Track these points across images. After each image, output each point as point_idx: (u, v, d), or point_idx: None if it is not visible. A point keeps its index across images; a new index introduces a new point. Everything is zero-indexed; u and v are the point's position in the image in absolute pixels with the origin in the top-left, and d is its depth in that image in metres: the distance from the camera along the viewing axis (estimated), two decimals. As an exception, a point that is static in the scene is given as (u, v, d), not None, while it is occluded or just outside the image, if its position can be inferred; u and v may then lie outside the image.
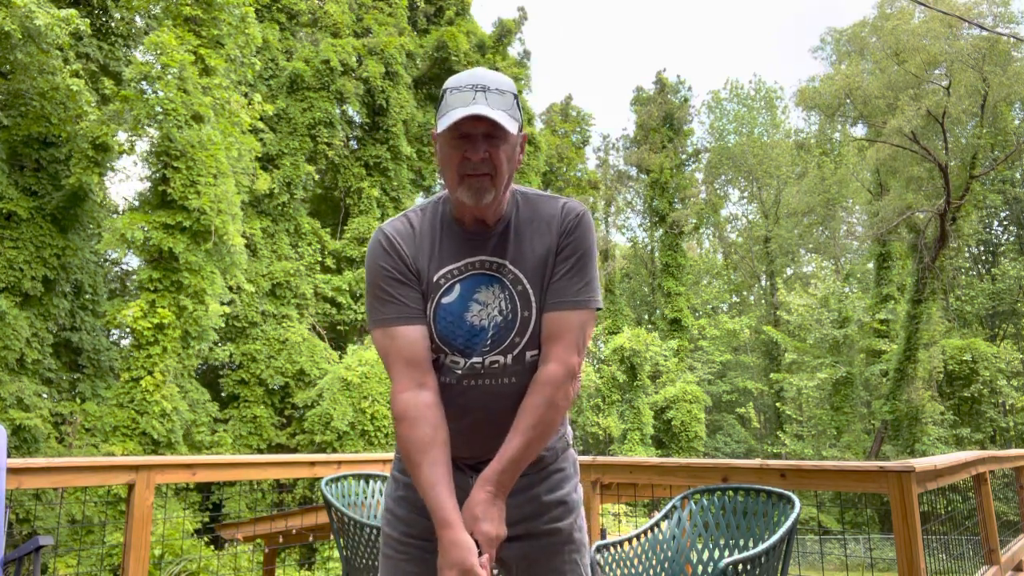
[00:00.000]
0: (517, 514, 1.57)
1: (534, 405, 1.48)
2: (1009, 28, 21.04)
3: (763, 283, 36.39)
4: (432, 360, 1.54)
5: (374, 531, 2.63)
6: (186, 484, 13.28)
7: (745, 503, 2.31)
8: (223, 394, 17.26)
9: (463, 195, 1.48)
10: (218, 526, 10.17)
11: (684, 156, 31.16)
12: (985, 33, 19.87)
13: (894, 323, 25.10)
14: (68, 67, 13.03)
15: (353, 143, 21.81)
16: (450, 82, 1.48)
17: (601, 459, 3.93)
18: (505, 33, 24.86)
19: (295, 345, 17.64)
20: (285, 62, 19.96)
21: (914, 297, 22.40)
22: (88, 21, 12.60)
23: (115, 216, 15.23)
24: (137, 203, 15.33)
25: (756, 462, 3.38)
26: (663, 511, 2.48)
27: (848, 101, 23.60)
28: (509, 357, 1.53)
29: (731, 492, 2.36)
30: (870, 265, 29.71)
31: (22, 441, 11.77)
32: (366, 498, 3.08)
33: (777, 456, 27.44)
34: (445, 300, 1.53)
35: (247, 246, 16.08)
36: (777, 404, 29.27)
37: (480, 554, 1.39)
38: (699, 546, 2.36)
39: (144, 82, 13.07)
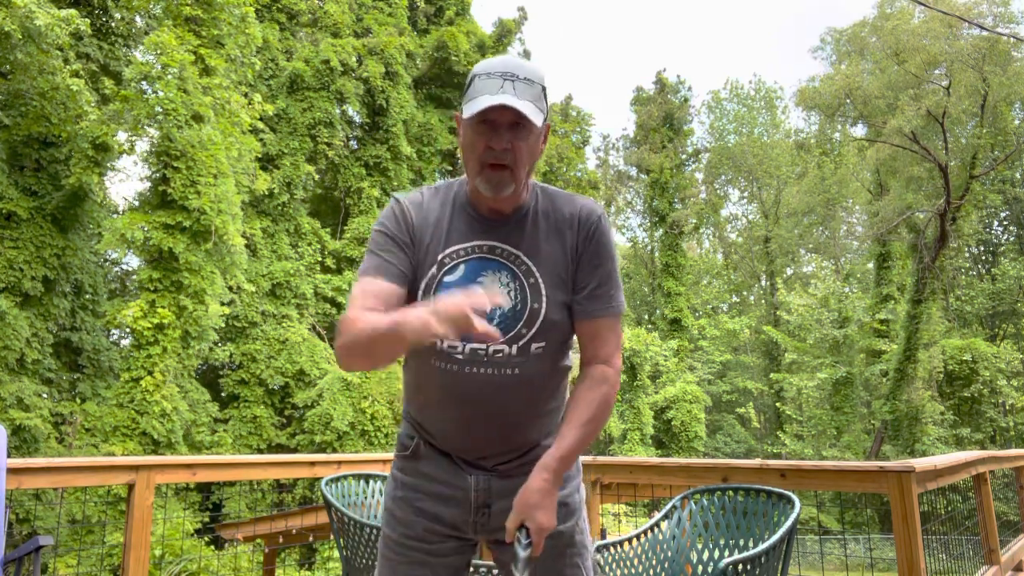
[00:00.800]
0: None
1: (590, 401, 1.50)
2: (1009, 28, 21.05)
3: (763, 283, 36.39)
4: (428, 344, 1.48)
5: (374, 531, 2.63)
6: (186, 484, 13.28)
7: (745, 503, 2.31)
8: (223, 394, 17.26)
9: (482, 186, 1.47)
10: (218, 526, 10.17)
11: (684, 156, 31.15)
12: (985, 33, 19.87)
13: (894, 323, 25.10)
14: (68, 67, 13.03)
15: (353, 143, 21.81)
16: (480, 67, 1.47)
17: (601, 459, 3.93)
18: (505, 33, 24.86)
19: (295, 345, 17.63)
20: (285, 62, 19.96)
21: (914, 297, 22.39)
22: (88, 21, 12.61)
23: (115, 216, 15.23)
24: (137, 203, 15.33)
25: (756, 462, 3.38)
26: (663, 511, 2.48)
27: (848, 101, 23.59)
28: (514, 348, 1.51)
29: (731, 492, 2.36)
30: (870, 265, 29.71)
31: (22, 441, 11.77)
32: (366, 498, 3.08)
33: (777, 456, 27.44)
34: (447, 279, 1.52)
35: (247, 246, 16.08)
36: (777, 404, 29.27)
37: (518, 540, 1.40)
38: (699, 546, 2.36)
39: (144, 82, 13.07)
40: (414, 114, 21.86)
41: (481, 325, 1.24)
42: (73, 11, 12.17)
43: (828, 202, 30.13)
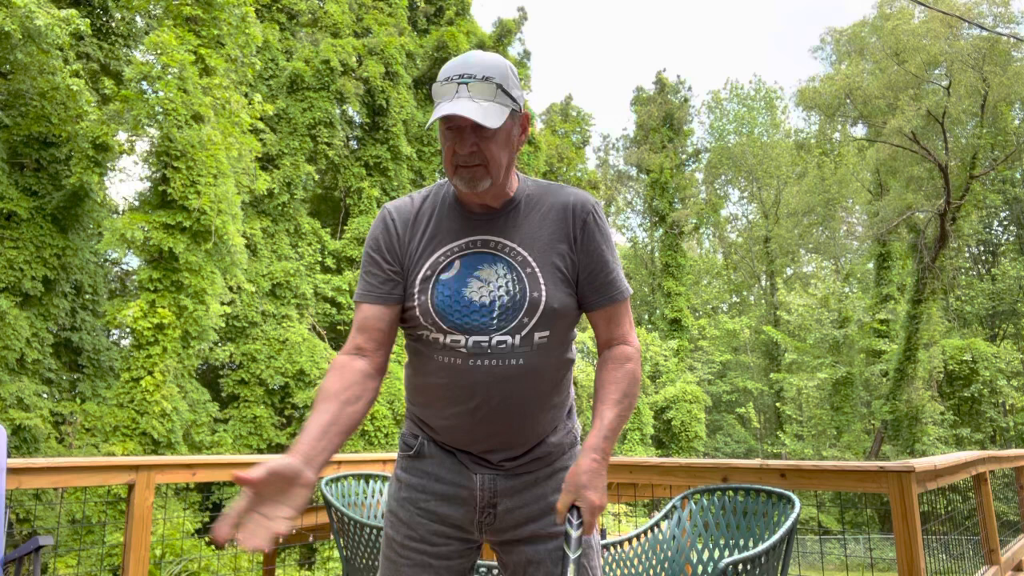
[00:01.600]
0: (523, 515, 1.56)
1: (618, 379, 1.55)
2: (1009, 28, 21.04)
3: (763, 283, 36.38)
4: (432, 339, 1.53)
5: (374, 531, 2.63)
6: (186, 484, 13.28)
7: (745, 503, 2.31)
8: (223, 394, 17.26)
9: (458, 184, 1.51)
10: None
11: (684, 156, 31.15)
12: (985, 33, 19.87)
13: (894, 323, 25.10)
14: (68, 67, 13.03)
15: (353, 143, 21.81)
16: (441, 71, 1.50)
17: (601, 459, 3.91)
18: (505, 33, 24.87)
19: (295, 345, 17.63)
20: (285, 62, 19.97)
21: (914, 297, 22.39)
22: (88, 21, 12.60)
23: (115, 216, 15.23)
24: (137, 203, 15.33)
25: (756, 462, 3.38)
26: (663, 511, 2.48)
27: (848, 101, 23.59)
28: (517, 337, 1.51)
29: (731, 492, 2.36)
30: (870, 265, 29.71)
31: (22, 441, 11.77)
32: (366, 498, 3.08)
33: (777, 456, 27.43)
34: (444, 276, 1.54)
35: (247, 246, 16.08)
36: (777, 404, 29.27)
37: (569, 522, 1.41)
38: (699, 546, 2.36)
39: (144, 82, 13.07)
40: (414, 114, 21.86)
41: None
42: (73, 11, 12.16)
43: (828, 202, 30.12)
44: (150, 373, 12.42)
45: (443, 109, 1.42)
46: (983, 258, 31.64)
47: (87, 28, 12.38)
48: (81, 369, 14.40)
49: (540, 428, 1.58)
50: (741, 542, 2.27)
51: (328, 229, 20.56)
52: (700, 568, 2.33)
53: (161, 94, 12.59)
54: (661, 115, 29.81)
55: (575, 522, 1.41)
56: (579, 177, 28.65)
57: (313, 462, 1.32)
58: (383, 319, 1.55)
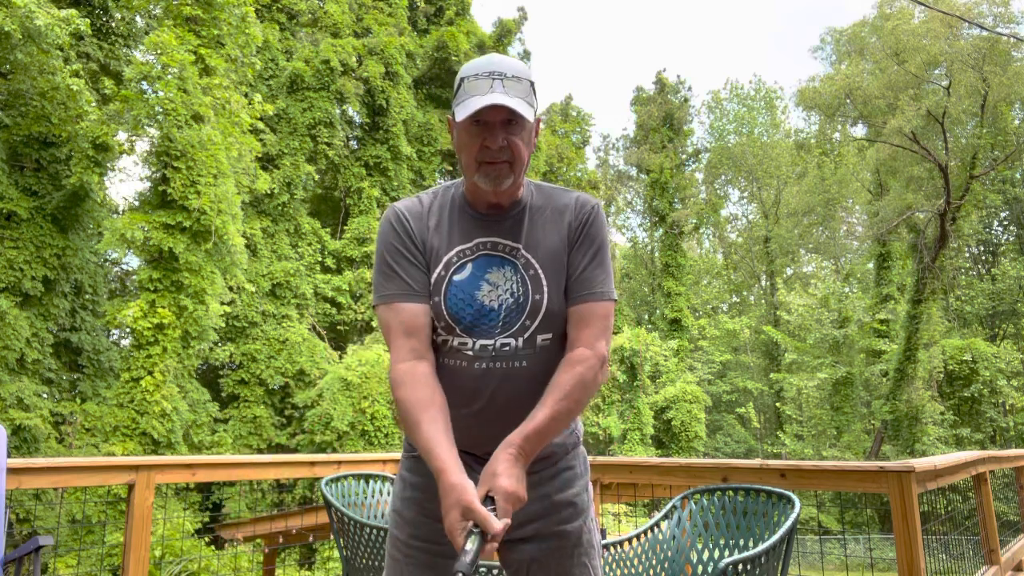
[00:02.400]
0: (525, 514, 1.55)
1: (563, 381, 1.46)
2: (1009, 28, 21.04)
3: (763, 283, 36.38)
4: (441, 341, 1.55)
5: (374, 531, 2.63)
6: (186, 484, 13.29)
7: (745, 503, 2.31)
8: (223, 394, 17.26)
9: (481, 181, 1.50)
10: (218, 526, 10.17)
11: (684, 156, 31.13)
12: (985, 33, 19.87)
13: (894, 323, 25.10)
14: (68, 67, 13.03)
15: (353, 143, 21.81)
16: (466, 69, 1.49)
17: (601, 459, 3.93)
18: (505, 33, 24.86)
19: (295, 345, 17.64)
20: (285, 62, 19.97)
21: (914, 297, 22.39)
22: (88, 21, 12.60)
23: (115, 216, 15.23)
24: (137, 203, 15.32)
25: (756, 462, 3.38)
26: (663, 511, 2.48)
27: (848, 101, 23.59)
28: (520, 340, 1.52)
29: (731, 492, 2.36)
30: (870, 265, 29.71)
31: (22, 441, 11.77)
32: (366, 498, 3.08)
33: (777, 456, 27.43)
34: (456, 278, 1.54)
35: (247, 246, 16.09)
36: (777, 404, 29.27)
37: (498, 516, 1.31)
38: (699, 546, 2.36)
39: (144, 82, 13.07)
40: (414, 114, 21.86)
41: (491, 549, 1.27)
42: (73, 11, 12.16)
43: (828, 202, 30.13)
44: (150, 373, 12.42)
45: (483, 100, 1.42)
46: (983, 258, 31.64)
47: (87, 28, 12.38)
48: (81, 369, 14.40)
49: None
50: (741, 542, 2.27)
51: (328, 229, 20.56)
52: (700, 568, 2.33)
53: (161, 94, 12.59)
54: (661, 115, 29.81)
55: (489, 508, 1.32)
56: (579, 177, 28.65)
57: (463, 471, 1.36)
58: (426, 314, 1.53)
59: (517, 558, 1.58)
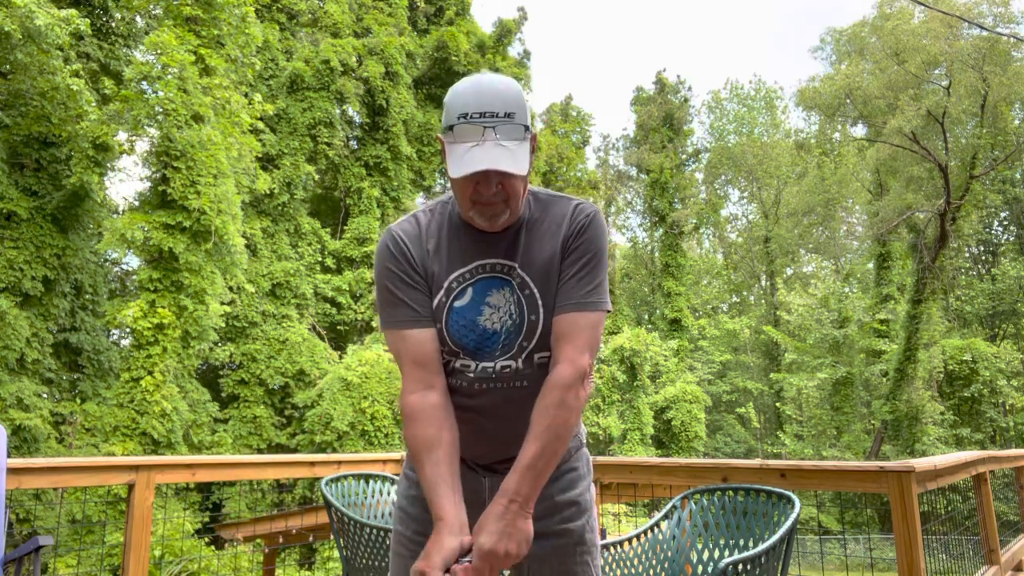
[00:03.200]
0: None
1: (545, 408, 1.44)
2: (1009, 28, 21.04)
3: (763, 283, 36.37)
4: (444, 362, 1.54)
5: (374, 531, 2.63)
6: (186, 484, 13.29)
7: (745, 503, 2.31)
8: (223, 394, 17.27)
9: (476, 218, 1.47)
10: (218, 526, 10.18)
11: (684, 156, 31.13)
12: (985, 33, 19.87)
13: (894, 323, 25.10)
14: (68, 67, 13.03)
15: (353, 143, 21.82)
16: (457, 103, 1.41)
17: (601, 459, 3.92)
18: (505, 33, 24.86)
19: (295, 345, 17.64)
20: (285, 62, 19.97)
21: (914, 297, 22.39)
22: (88, 21, 12.61)
23: (115, 216, 15.23)
24: (137, 203, 15.33)
25: (756, 462, 3.38)
26: (663, 511, 2.48)
27: (848, 101, 23.59)
28: (519, 361, 1.52)
29: (731, 492, 2.36)
30: (870, 265, 29.71)
31: (22, 441, 11.77)
32: (366, 498, 3.08)
33: (777, 456, 27.43)
34: (457, 304, 1.52)
35: (247, 246, 16.09)
36: (777, 404, 29.27)
37: (459, 560, 1.30)
38: (699, 546, 2.36)
39: (144, 82, 13.08)
40: (414, 114, 21.86)
41: None
42: (73, 11, 12.17)
43: (828, 202, 30.11)
44: (150, 373, 12.42)
45: (473, 161, 1.36)
46: (983, 258, 31.64)
47: (87, 28, 12.38)
48: (81, 369, 14.40)
49: None
50: (741, 542, 2.27)
51: (328, 229, 20.56)
52: (700, 568, 2.33)
53: (161, 94, 12.59)
54: (661, 115, 29.81)
55: (464, 562, 1.29)
56: (579, 177, 28.65)
57: (464, 527, 1.36)
58: (434, 339, 1.51)
59: None
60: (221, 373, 17.94)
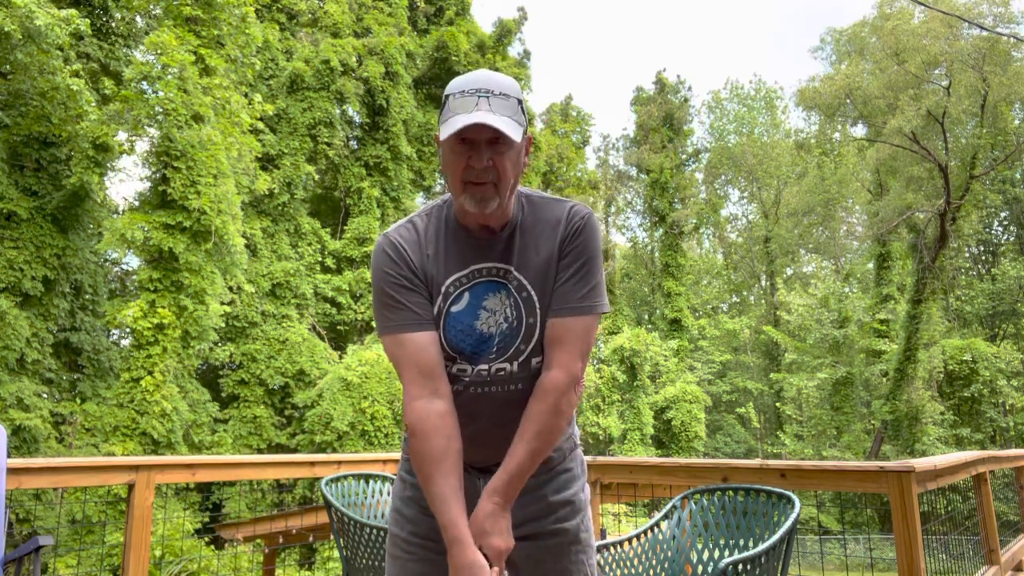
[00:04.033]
0: (523, 514, 1.57)
1: (538, 412, 1.46)
2: (1009, 28, 21.04)
3: (763, 283, 36.36)
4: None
5: (374, 531, 2.63)
6: (186, 484, 13.29)
7: (745, 503, 2.31)
8: (223, 394, 17.27)
9: (467, 202, 1.46)
10: (218, 526, 10.17)
11: (684, 156, 31.13)
12: (985, 33, 19.87)
13: (894, 323, 25.09)
14: (68, 67, 13.03)
15: (353, 143, 21.81)
16: (453, 86, 1.45)
17: (601, 459, 3.92)
18: (505, 33, 24.87)
19: (295, 345, 17.64)
20: (285, 62, 19.97)
21: (914, 297, 22.39)
22: (88, 21, 12.61)
23: (115, 216, 15.23)
24: (137, 203, 15.33)
25: (756, 462, 3.38)
26: (663, 511, 2.48)
27: (848, 101, 23.59)
28: (515, 364, 1.52)
29: (731, 492, 2.36)
30: (870, 265, 29.70)
31: (22, 441, 11.77)
32: (366, 498, 3.08)
33: (777, 456, 27.44)
34: (454, 309, 1.52)
35: (247, 246, 16.09)
36: (777, 404, 29.26)
37: (492, 566, 1.39)
38: (699, 546, 2.36)
39: (144, 82, 13.08)
40: (414, 114, 21.86)
41: None
42: (73, 11, 12.16)
43: (828, 202, 30.11)
44: (150, 373, 12.43)
45: (467, 119, 1.38)
46: (983, 258, 31.64)
47: (87, 28, 12.38)
48: (81, 369, 14.40)
49: None
50: (741, 542, 2.27)
51: (328, 229, 20.56)
52: (700, 568, 2.33)
53: (161, 94, 12.59)
54: (661, 115, 29.81)
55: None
56: (579, 177, 28.67)
57: (473, 539, 1.41)
58: (435, 343, 1.51)
59: (514, 555, 1.59)
60: (221, 373, 17.94)
